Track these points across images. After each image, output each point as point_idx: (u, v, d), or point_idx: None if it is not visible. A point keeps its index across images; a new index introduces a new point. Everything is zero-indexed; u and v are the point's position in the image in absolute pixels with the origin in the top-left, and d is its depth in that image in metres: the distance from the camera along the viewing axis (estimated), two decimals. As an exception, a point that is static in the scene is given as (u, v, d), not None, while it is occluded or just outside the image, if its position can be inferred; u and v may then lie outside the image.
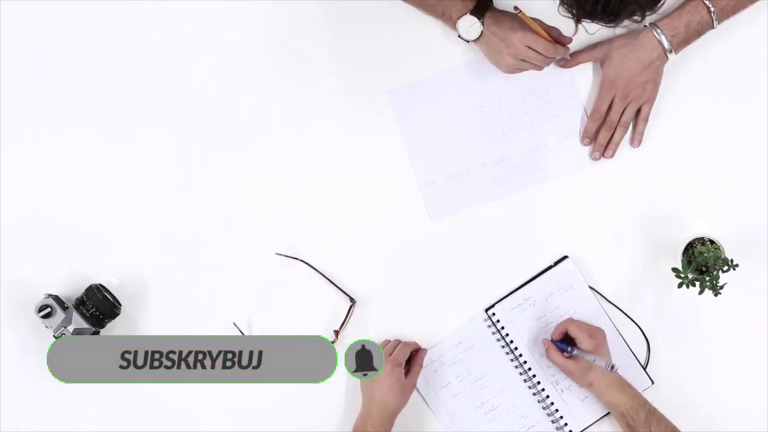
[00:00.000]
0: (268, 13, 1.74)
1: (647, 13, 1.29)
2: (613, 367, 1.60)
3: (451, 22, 1.65)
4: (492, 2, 1.64)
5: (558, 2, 1.30)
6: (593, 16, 1.29)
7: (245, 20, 1.75)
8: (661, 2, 1.30)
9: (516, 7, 1.58)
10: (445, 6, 1.64)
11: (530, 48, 1.61)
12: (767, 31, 1.72)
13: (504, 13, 1.63)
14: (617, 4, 1.26)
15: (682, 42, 1.67)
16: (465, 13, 1.63)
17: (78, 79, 1.75)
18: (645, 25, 1.68)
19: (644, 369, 1.71)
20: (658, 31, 1.66)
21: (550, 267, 1.73)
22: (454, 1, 1.63)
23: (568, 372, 1.65)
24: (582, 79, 1.74)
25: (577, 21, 1.31)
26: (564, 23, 1.35)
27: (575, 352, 1.64)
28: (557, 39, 1.63)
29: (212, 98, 1.75)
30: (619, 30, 1.37)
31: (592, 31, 1.42)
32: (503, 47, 1.62)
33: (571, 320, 1.67)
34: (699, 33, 1.67)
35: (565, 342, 1.66)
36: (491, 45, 1.64)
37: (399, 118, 1.73)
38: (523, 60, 1.63)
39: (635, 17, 1.29)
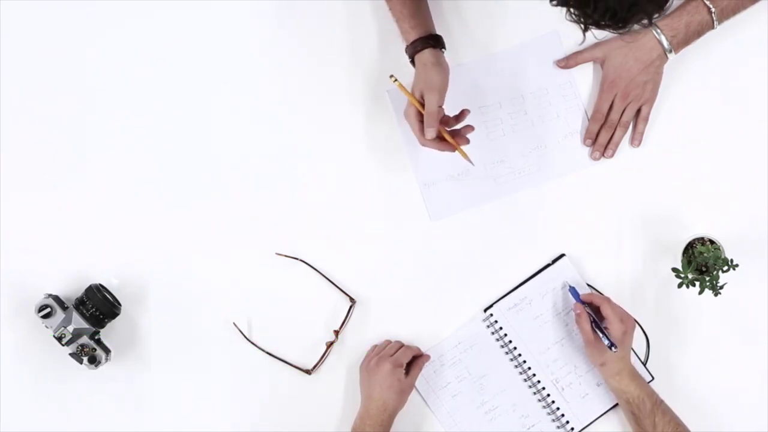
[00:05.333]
0: (268, 13, 1.74)
1: (654, 17, 1.30)
2: (612, 347, 1.60)
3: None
4: (424, 46, 1.62)
5: (565, 11, 1.31)
6: (601, 25, 1.29)
7: (245, 20, 1.75)
8: (668, 5, 1.31)
9: (392, 75, 1.60)
10: (401, 27, 1.64)
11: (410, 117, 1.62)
12: (767, 31, 1.72)
13: (425, 66, 1.61)
14: (624, 13, 1.27)
15: (681, 42, 1.67)
16: (406, 46, 1.64)
17: (78, 78, 1.74)
18: (645, 25, 1.68)
19: (644, 365, 1.71)
20: (658, 31, 1.67)
21: (547, 266, 1.73)
22: (406, 23, 1.63)
23: (588, 343, 1.64)
24: (582, 79, 1.74)
25: (585, 29, 1.31)
26: (571, 29, 1.34)
27: (602, 325, 1.64)
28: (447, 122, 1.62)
29: (212, 98, 1.75)
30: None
31: (600, 37, 1.42)
32: None
33: (608, 300, 1.66)
34: (699, 33, 1.67)
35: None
36: None
37: (399, 119, 1.73)
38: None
39: (643, 22, 1.30)
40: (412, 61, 1.63)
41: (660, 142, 1.74)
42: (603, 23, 1.29)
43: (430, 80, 1.59)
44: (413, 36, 1.62)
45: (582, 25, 1.31)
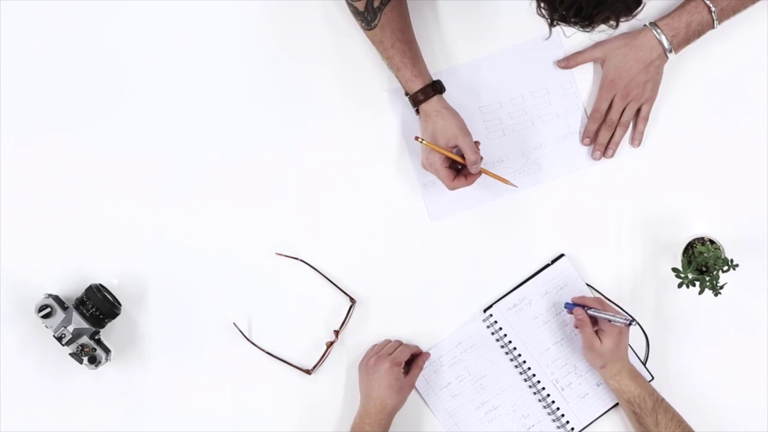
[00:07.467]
0: (268, 13, 1.74)
1: (622, 19, 1.29)
2: (630, 323, 1.60)
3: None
4: (434, 93, 1.64)
5: (534, 4, 1.31)
6: (567, 20, 1.30)
7: (245, 20, 1.75)
8: (638, 10, 1.30)
9: (417, 137, 1.63)
10: (402, 75, 1.65)
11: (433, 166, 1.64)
12: (767, 31, 1.72)
13: (439, 113, 1.63)
14: (591, 10, 1.26)
15: (682, 42, 1.67)
16: (407, 94, 1.66)
17: (77, 78, 1.74)
18: (645, 25, 1.68)
19: (644, 365, 1.71)
20: (659, 30, 1.67)
21: (547, 266, 1.73)
22: (408, 72, 1.64)
23: (589, 346, 1.64)
24: (582, 79, 1.74)
25: (551, 24, 1.32)
26: (572, 29, 1.35)
27: (599, 326, 1.63)
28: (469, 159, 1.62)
29: (212, 98, 1.75)
30: (595, 35, 1.36)
31: (569, 34, 1.42)
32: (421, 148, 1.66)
33: (601, 301, 1.67)
34: (699, 33, 1.67)
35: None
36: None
37: (399, 119, 1.73)
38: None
39: (610, 23, 1.30)
40: (417, 109, 1.66)
41: (660, 142, 1.74)
42: (569, 18, 1.29)
43: (452, 126, 1.62)
44: (418, 84, 1.63)
45: (548, 20, 1.31)
